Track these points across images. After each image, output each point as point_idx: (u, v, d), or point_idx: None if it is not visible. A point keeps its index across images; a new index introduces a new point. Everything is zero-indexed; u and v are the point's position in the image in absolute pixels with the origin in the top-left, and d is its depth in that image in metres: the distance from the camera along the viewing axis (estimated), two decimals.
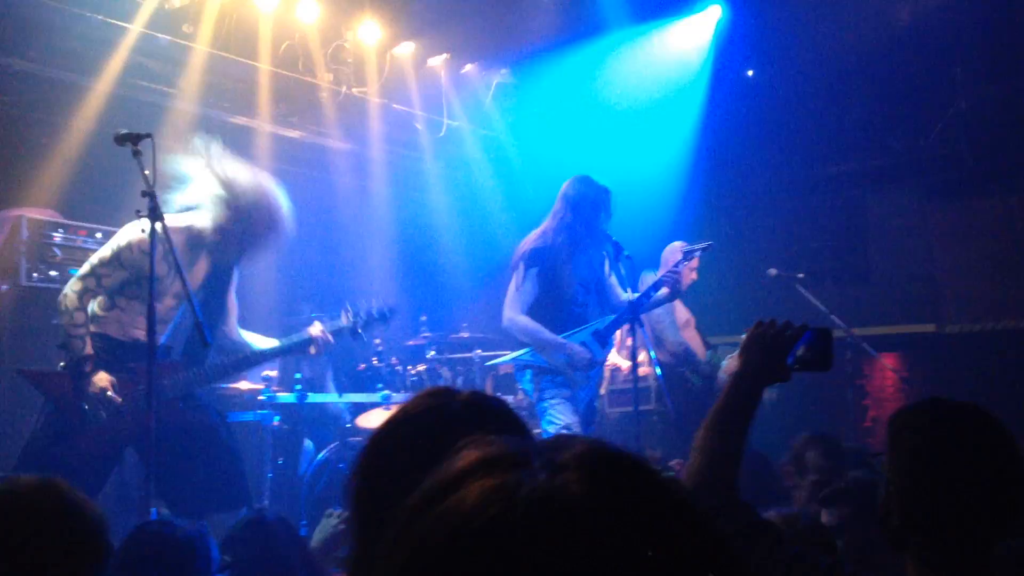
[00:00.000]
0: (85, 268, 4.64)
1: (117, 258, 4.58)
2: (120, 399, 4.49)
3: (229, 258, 4.88)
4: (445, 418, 1.42)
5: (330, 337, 5.09)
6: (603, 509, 0.77)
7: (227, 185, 4.70)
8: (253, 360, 5.03)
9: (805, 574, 1.89)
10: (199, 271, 4.81)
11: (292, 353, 5.19)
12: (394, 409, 1.53)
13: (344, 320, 5.29)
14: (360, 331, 5.33)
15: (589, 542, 0.75)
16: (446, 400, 1.46)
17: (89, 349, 4.51)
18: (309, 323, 5.29)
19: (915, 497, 1.84)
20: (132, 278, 4.57)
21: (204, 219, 4.72)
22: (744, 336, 2.27)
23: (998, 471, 1.82)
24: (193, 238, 4.74)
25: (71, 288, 4.58)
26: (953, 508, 1.80)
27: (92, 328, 4.60)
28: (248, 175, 4.82)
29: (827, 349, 2.21)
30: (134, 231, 4.53)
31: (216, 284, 4.88)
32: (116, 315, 4.64)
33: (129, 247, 4.55)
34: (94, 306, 4.64)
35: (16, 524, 1.77)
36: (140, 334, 4.55)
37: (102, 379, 4.47)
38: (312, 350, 5.06)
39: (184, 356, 4.80)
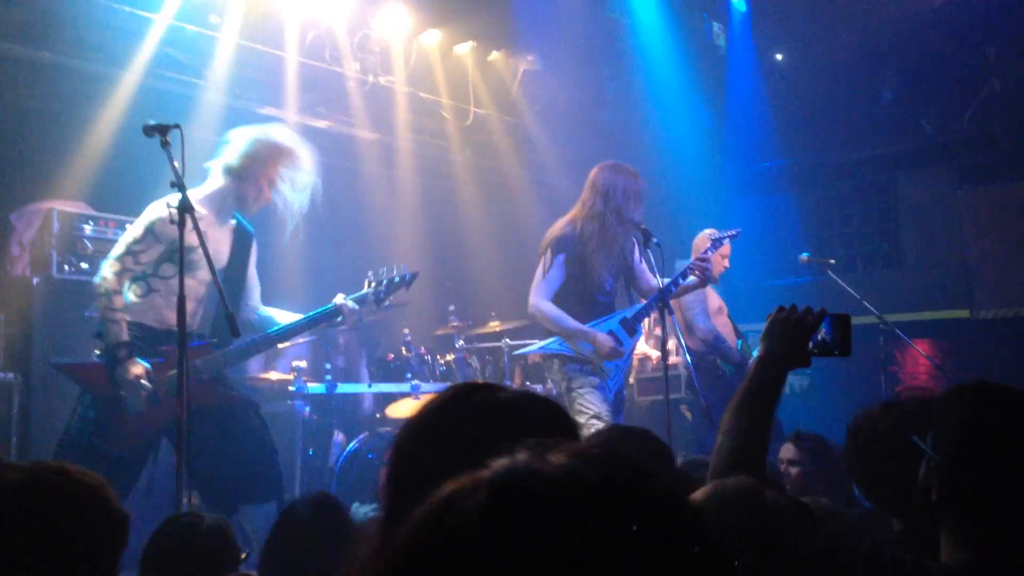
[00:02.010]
0: (119, 249, 4.55)
1: (151, 231, 4.51)
2: (151, 387, 4.45)
3: (251, 204, 4.83)
4: (485, 415, 1.37)
5: (354, 305, 4.98)
6: (578, 487, 0.78)
7: (234, 136, 4.80)
8: (283, 335, 4.94)
9: (843, 557, 1.89)
10: (222, 247, 4.77)
11: (319, 324, 5.05)
12: (425, 400, 1.47)
13: (366, 287, 5.16)
14: (383, 298, 5.19)
15: (552, 518, 0.76)
16: (486, 395, 1.42)
17: (125, 335, 4.44)
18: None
19: (955, 474, 1.85)
20: (167, 253, 4.50)
21: (216, 176, 4.75)
22: (766, 322, 2.30)
23: None
24: (215, 203, 4.72)
25: (108, 270, 4.50)
26: (991, 486, 1.82)
27: (128, 317, 4.52)
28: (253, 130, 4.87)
29: (846, 334, 2.26)
30: (161, 207, 4.41)
31: (239, 258, 4.84)
32: (152, 301, 4.57)
33: (160, 220, 4.44)
34: (129, 294, 4.56)
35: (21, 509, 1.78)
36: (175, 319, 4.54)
37: (136, 368, 4.42)
38: (339, 320, 4.97)
39: (214, 336, 4.75)
